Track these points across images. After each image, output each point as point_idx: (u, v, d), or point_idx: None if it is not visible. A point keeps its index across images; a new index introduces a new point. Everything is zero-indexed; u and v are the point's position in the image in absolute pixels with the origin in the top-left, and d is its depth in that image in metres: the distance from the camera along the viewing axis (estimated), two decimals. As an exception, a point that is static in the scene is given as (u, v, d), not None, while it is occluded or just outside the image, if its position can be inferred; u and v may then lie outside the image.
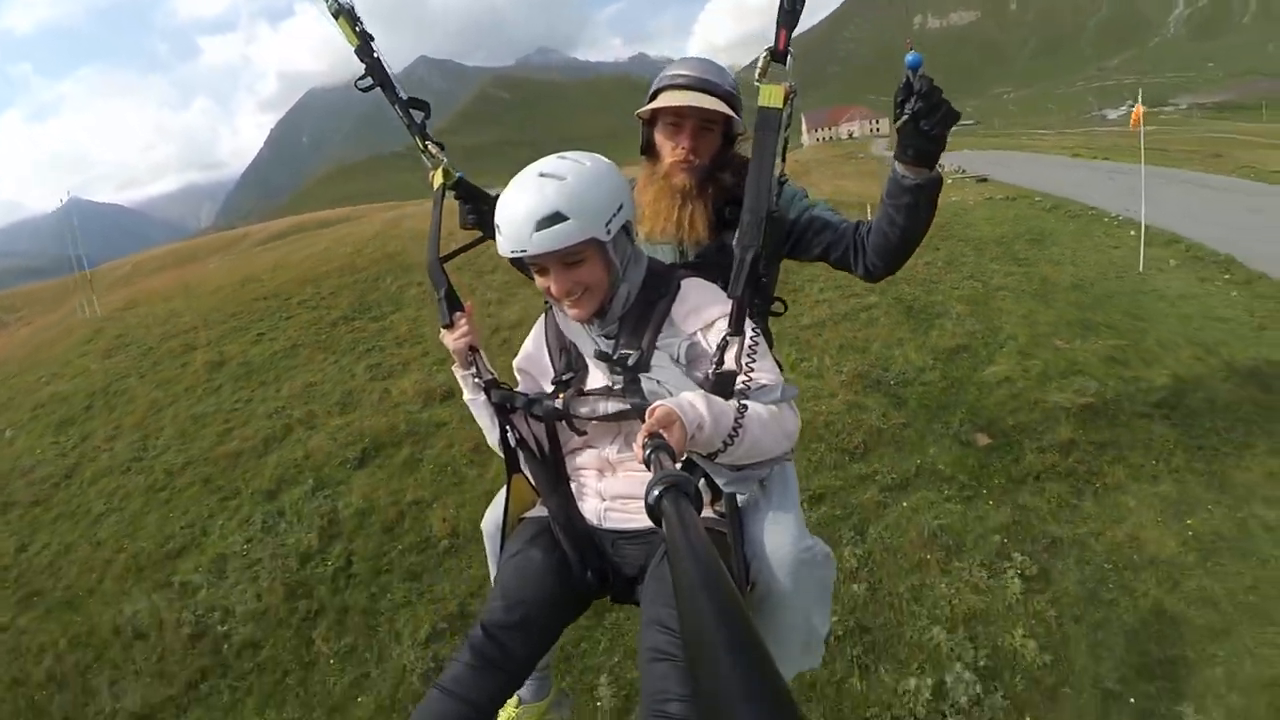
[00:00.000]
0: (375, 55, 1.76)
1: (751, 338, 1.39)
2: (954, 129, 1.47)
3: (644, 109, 1.73)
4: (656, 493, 0.80)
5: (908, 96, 1.39)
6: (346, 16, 1.75)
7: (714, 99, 1.66)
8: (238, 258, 18.42)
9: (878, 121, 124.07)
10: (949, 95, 1.40)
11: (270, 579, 3.56)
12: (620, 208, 1.41)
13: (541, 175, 1.37)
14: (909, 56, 1.38)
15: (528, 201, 1.34)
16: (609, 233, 1.38)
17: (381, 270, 9.21)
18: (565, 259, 1.39)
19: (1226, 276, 7.19)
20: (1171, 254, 8.24)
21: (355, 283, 8.84)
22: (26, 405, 6.92)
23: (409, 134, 1.81)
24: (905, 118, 1.40)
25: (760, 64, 1.47)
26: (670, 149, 1.71)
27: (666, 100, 1.67)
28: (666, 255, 1.75)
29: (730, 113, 1.68)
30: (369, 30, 1.77)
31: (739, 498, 1.46)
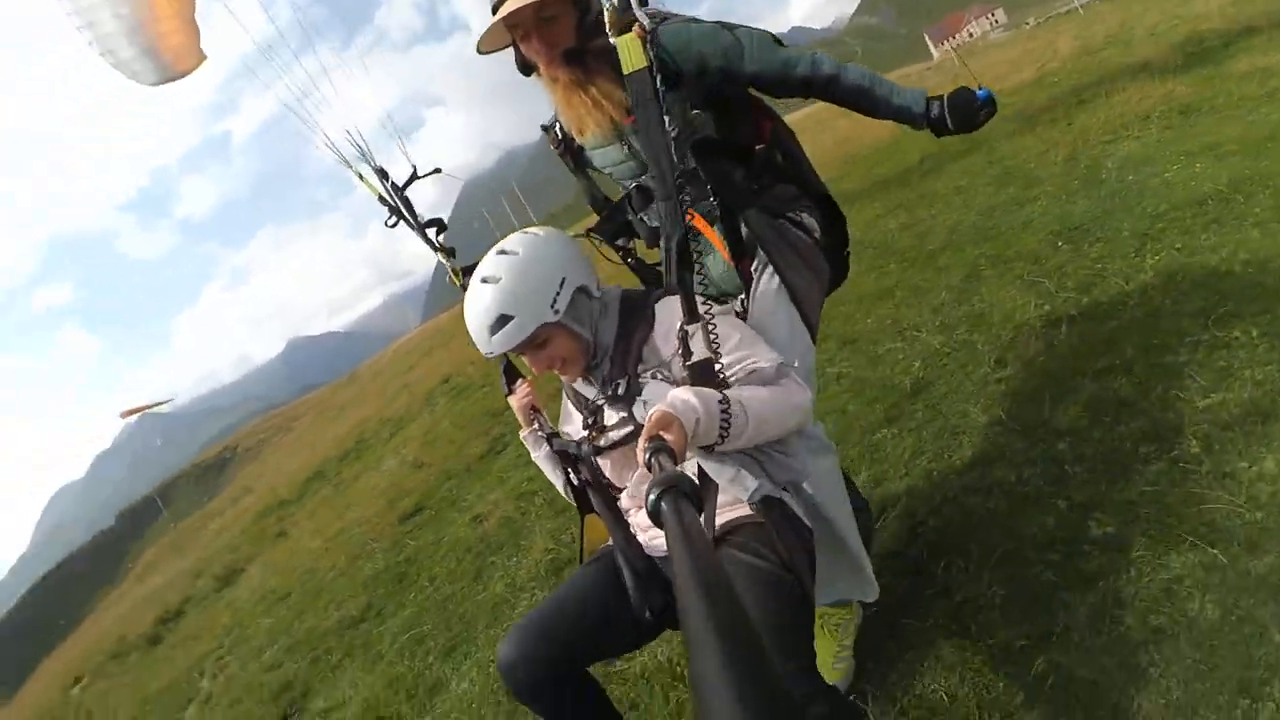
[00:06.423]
0: (405, 198, 2.03)
1: (709, 319, 1.39)
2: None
3: (480, 39, 1.66)
4: (654, 495, 0.81)
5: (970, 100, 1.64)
6: (375, 174, 2.02)
7: None
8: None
9: (994, 13, 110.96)
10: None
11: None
12: (563, 281, 1.46)
13: (483, 281, 1.47)
14: (980, 91, 1.65)
15: (476, 311, 1.47)
16: (557, 312, 1.45)
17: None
18: (530, 345, 1.49)
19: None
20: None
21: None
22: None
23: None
24: (957, 114, 1.64)
25: (606, 16, 1.43)
26: (536, 56, 1.65)
27: (498, 19, 1.56)
28: (615, 156, 1.75)
29: None
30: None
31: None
